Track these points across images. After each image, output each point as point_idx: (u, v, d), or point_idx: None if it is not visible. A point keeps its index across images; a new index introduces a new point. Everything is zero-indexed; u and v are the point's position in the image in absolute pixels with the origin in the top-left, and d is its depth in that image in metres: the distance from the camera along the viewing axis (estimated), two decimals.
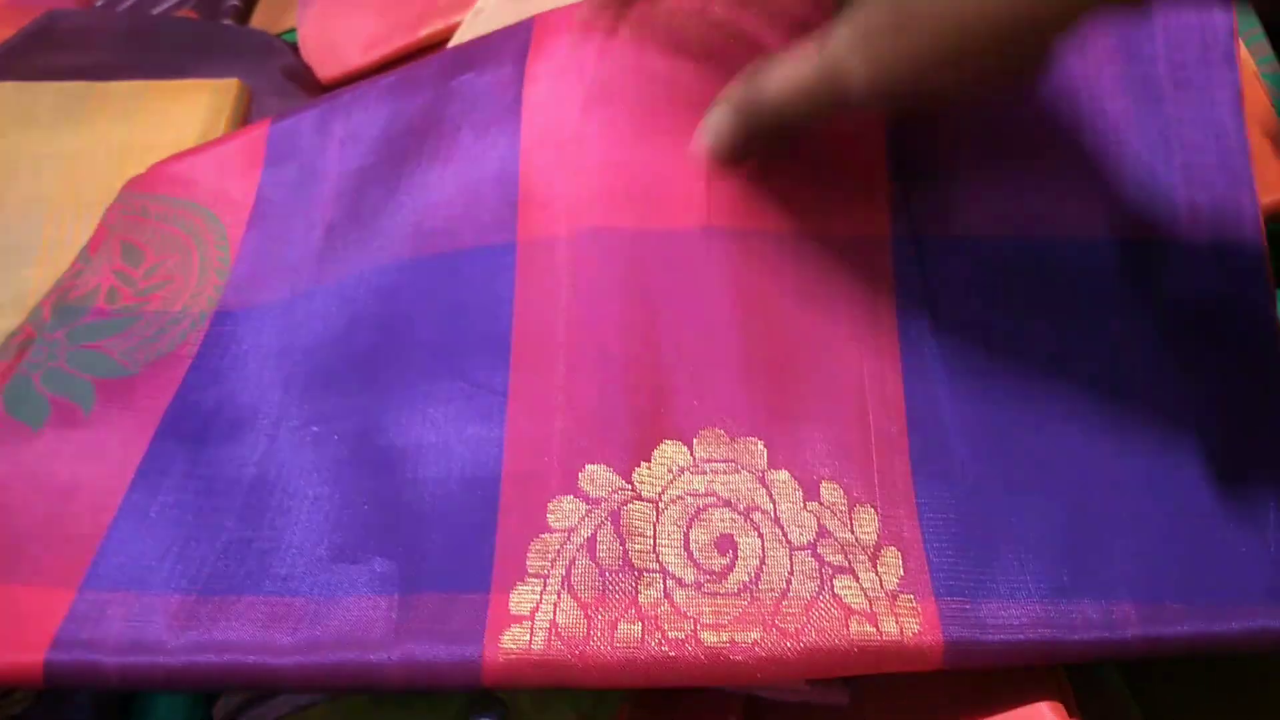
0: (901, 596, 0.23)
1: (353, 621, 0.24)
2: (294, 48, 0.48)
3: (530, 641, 0.23)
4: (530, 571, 0.24)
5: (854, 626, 0.23)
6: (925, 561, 0.24)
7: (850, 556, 0.24)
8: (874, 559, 0.24)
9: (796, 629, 0.23)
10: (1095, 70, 0.30)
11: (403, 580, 0.25)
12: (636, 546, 0.24)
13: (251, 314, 0.32)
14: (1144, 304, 0.27)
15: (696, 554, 0.24)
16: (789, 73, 0.25)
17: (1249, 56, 0.35)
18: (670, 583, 0.24)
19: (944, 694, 0.25)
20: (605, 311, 0.28)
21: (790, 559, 0.24)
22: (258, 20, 0.53)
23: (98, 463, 0.28)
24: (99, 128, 0.41)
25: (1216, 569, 0.24)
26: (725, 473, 0.25)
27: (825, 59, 0.24)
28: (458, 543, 0.25)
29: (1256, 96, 0.34)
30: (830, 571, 0.24)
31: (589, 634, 0.23)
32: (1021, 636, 0.23)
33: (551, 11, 0.33)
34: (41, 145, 0.41)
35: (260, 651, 0.24)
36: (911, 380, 0.26)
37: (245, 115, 0.43)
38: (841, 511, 0.25)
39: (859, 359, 0.27)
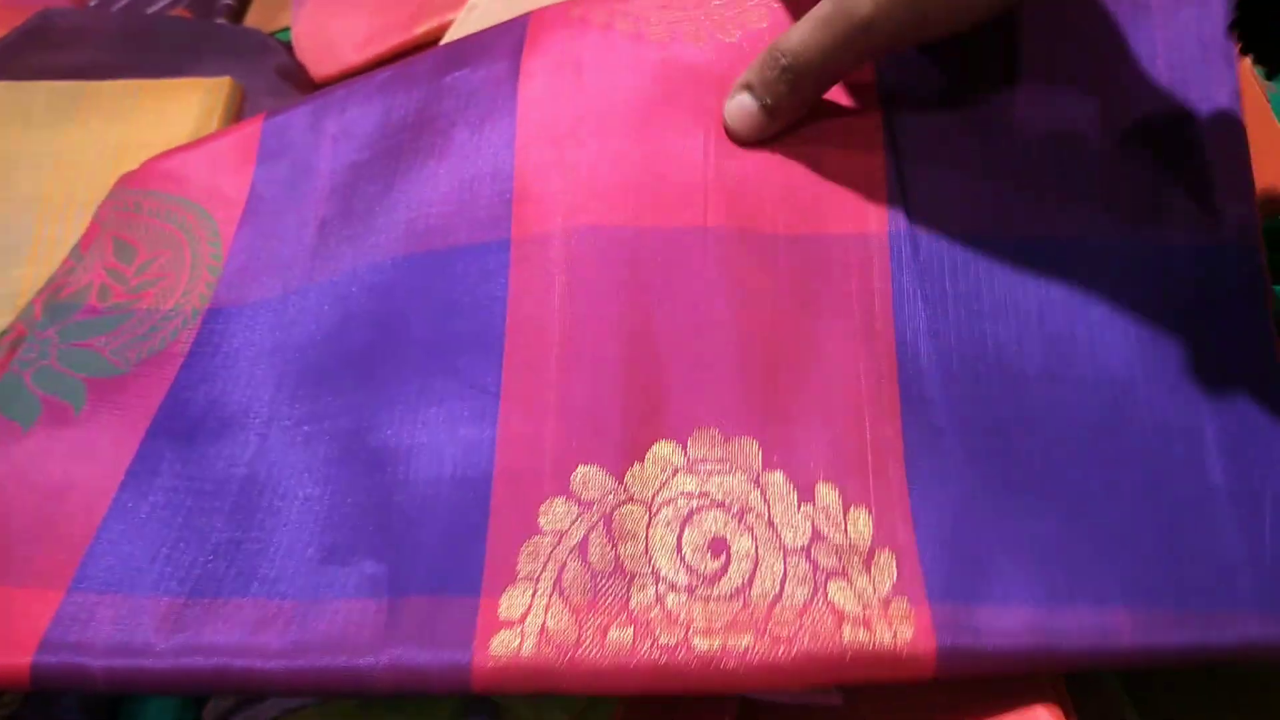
0: (895, 601, 0.23)
1: (341, 625, 0.24)
2: (288, 47, 0.48)
3: (520, 647, 0.23)
4: (521, 574, 0.24)
5: (847, 632, 0.23)
6: (919, 565, 0.24)
7: (844, 560, 0.24)
8: (868, 563, 0.24)
9: (789, 635, 0.23)
10: (1095, 70, 0.29)
11: (392, 583, 0.25)
12: (628, 550, 0.24)
13: (244, 311, 0.31)
14: (1142, 305, 0.27)
15: (689, 557, 0.24)
16: (805, 20, 0.27)
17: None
18: (662, 586, 0.24)
19: (940, 695, 0.24)
20: (600, 310, 0.27)
21: (784, 562, 0.24)
22: (252, 19, 0.52)
23: (88, 462, 0.28)
24: (92, 127, 0.41)
25: (1210, 577, 0.23)
26: (719, 474, 0.25)
27: None
28: (448, 545, 0.25)
29: (1255, 95, 0.34)
30: (824, 576, 0.24)
31: (579, 640, 0.23)
32: (1015, 642, 0.22)
33: (547, 7, 0.33)
34: (34, 144, 0.41)
35: (248, 655, 0.23)
36: (907, 382, 0.26)
37: (238, 114, 0.43)
38: (836, 514, 0.24)
39: (855, 360, 0.27)
